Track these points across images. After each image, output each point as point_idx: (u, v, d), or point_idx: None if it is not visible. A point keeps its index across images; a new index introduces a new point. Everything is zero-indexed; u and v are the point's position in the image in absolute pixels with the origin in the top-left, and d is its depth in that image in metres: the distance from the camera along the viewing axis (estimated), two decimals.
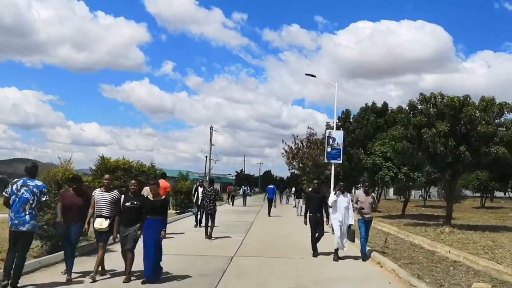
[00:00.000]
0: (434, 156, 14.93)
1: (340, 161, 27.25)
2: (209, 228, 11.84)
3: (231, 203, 31.03)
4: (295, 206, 28.66)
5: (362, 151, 27.50)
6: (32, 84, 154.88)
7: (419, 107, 15.45)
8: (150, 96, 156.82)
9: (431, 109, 14.95)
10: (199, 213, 13.28)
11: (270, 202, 22.27)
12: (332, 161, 27.39)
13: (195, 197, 13.09)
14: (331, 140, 27.41)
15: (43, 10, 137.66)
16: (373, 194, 9.35)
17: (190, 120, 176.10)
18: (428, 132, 14.33)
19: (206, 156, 54.27)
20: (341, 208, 8.70)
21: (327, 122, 28.84)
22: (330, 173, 34.82)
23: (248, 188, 27.98)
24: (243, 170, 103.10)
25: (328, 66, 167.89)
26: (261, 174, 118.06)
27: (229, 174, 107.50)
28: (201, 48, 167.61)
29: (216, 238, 11.98)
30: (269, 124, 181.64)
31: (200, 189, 12.94)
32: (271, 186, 23.80)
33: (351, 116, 27.96)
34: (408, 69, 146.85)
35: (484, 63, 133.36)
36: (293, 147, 38.14)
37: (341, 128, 27.48)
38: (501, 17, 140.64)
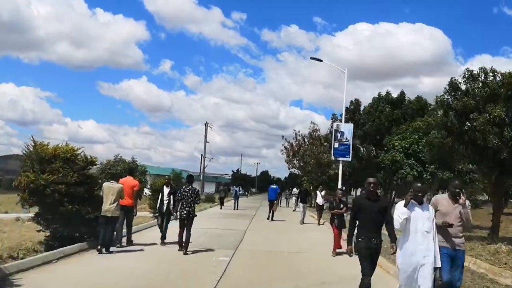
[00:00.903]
0: (484, 151, 11.46)
1: (349, 159, 23.73)
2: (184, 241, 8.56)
3: (221, 205, 27.46)
4: (294, 210, 25.13)
5: (373, 148, 24.10)
6: (29, 81, 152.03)
7: (463, 87, 11.95)
8: (148, 95, 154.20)
9: (480, 90, 11.46)
10: (164, 223, 9.46)
11: (271, 205, 18.85)
12: (340, 159, 23.88)
13: (158, 201, 9.31)
14: (338, 135, 23.88)
15: (42, 7, 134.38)
16: (467, 201, 4.88)
17: (188, 120, 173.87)
18: (479, 119, 10.86)
19: (202, 155, 51.44)
20: (418, 232, 4.52)
21: (333, 114, 25.37)
22: (336, 173, 31.43)
23: (240, 188, 23.91)
24: (240, 169, 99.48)
25: (326, 68, 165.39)
26: (258, 174, 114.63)
27: (226, 174, 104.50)
28: (200, 47, 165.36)
29: (193, 253, 8.63)
30: (266, 124, 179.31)
31: (166, 190, 9.24)
32: (273, 186, 20.28)
33: (361, 108, 24.42)
34: (406, 72, 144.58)
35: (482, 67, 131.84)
36: (294, 144, 34.69)
37: (350, 121, 24.04)
38: (499, 21, 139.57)
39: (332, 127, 24.53)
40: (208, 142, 52.14)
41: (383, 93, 23.72)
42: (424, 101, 22.01)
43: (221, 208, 25.03)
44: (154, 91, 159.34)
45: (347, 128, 23.28)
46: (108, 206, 8.41)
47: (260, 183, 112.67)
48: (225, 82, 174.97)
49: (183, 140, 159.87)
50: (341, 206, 9.48)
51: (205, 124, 51.99)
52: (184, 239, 8.85)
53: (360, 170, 26.58)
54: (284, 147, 35.30)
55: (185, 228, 8.93)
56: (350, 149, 23.20)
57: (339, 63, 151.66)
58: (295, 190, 26.42)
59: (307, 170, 34.39)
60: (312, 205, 26.71)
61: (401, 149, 16.84)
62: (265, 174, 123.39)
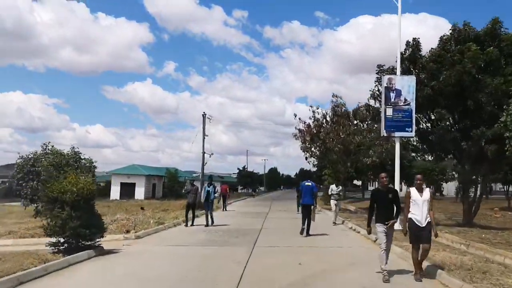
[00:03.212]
0: None
1: (412, 134, 14.77)
2: None
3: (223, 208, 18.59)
4: (335, 223, 14.72)
5: (450, 117, 15.02)
6: (35, 88, 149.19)
7: None
8: (153, 97, 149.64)
9: None
10: None
11: (307, 211, 11.27)
12: (397, 134, 15.00)
13: None
14: (392, 95, 14.65)
15: (44, 13, 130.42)
16: None
17: (193, 120, 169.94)
18: None
19: (205, 153, 43.15)
20: None
21: (378, 65, 16.19)
22: (374, 162, 22.47)
23: (214, 188, 12.75)
24: (246, 166, 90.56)
25: (330, 63, 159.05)
26: (266, 172, 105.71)
27: (233, 173, 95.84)
28: (203, 48, 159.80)
29: None
30: (272, 122, 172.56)
31: None
32: (308, 183, 11.69)
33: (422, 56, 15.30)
34: None
35: None
36: (312, 124, 25.59)
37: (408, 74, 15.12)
38: (505, 10, 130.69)
39: (379, 83, 15.66)
40: (207, 135, 43.58)
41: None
42: None
43: (187, 225, 13.55)
44: (159, 93, 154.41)
45: (407, 83, 14.26)
46: None
47: (269, 181, 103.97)
48: (229, 81, 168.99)
49: (190, 141, 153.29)
50: None
51: (202, 115, 43.31)
52: None
53: (420, 152, 17.64)
54: (298, 130, 26.28)
55: None
56: (413, 117, 14.34)
57: (342, 57, 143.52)
58: (333, 188, 15.92)
59: (331, 158, 25.47)
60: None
61: None
62: (273, 171, 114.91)
